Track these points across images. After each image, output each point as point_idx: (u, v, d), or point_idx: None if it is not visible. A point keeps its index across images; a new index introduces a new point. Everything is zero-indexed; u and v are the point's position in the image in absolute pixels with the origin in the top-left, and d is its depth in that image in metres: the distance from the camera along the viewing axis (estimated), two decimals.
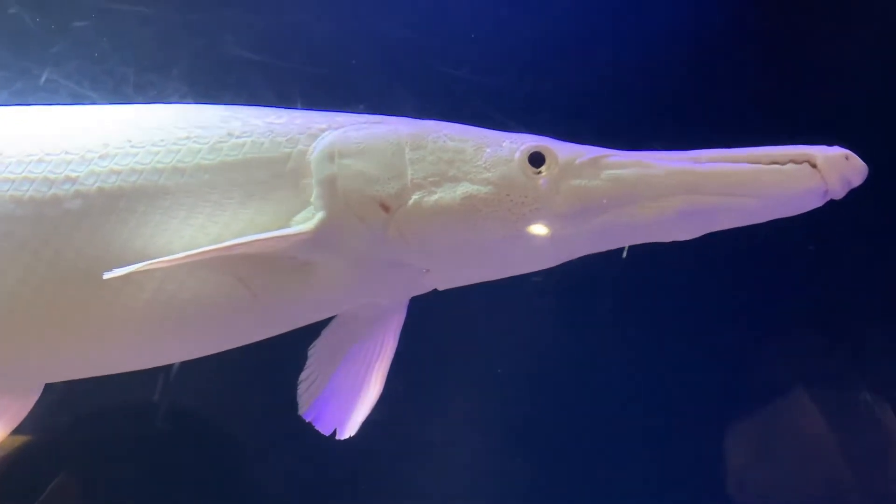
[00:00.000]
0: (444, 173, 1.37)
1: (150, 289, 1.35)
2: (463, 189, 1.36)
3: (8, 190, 1.37)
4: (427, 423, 2.17)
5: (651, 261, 1.58)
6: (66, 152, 1.39)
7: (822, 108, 2.20)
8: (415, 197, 1.36)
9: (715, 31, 2.28)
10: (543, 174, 1.37)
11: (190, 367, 1.56)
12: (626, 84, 2.24)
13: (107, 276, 1.25)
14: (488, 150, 1.40)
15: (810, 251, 2.17)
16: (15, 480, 2.01)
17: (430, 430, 2.18)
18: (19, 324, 1.37)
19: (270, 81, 2.19)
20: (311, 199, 1.37)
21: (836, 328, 2.23)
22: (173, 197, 1.37)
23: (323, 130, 1.42)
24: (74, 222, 1.35)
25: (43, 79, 2.11)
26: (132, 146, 1.40)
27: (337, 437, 1.51)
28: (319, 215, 1.36)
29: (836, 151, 1.31)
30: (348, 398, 1.52)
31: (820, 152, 1.31)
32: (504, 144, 1.41)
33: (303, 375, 1.55)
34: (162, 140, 1.40)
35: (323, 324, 1.55)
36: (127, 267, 1.25)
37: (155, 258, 1.29)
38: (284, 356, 1.59)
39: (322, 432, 1.51)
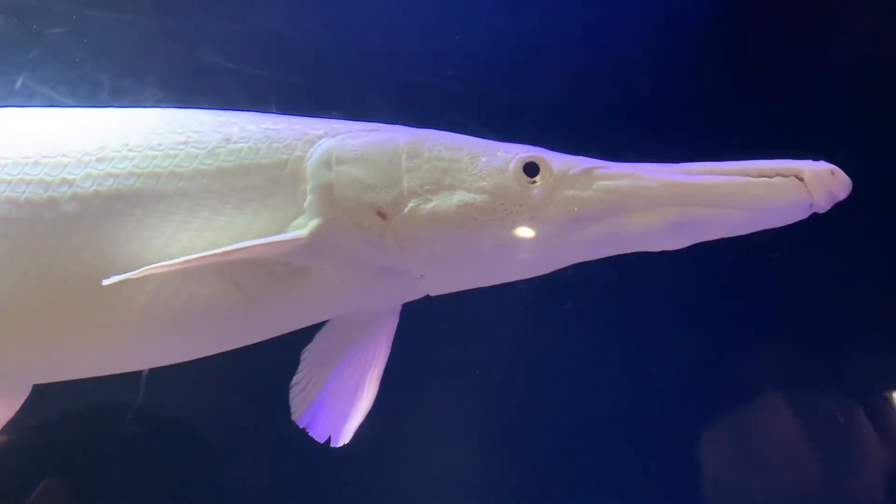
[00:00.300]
0: (439, 181, 1.38)
1: (147, 291, 1.35)
2: (458, 197, 1.37)
3: (4, 192, 1.36)
4: (417, 426, 2.17)
5: (630, 268, 1.62)
6: (63, 154, 1.39)
7: (795, 119, 2.26)
8: (411, 204, 1.37)
9: (694, 41, 2.33)
10: (538, 184, 1.39)
11: (178, 371, 1.54)
12: (603, 93, 2.27)
13: (105, 283, 1.25)
14: (483, 159, 1.41)
15: (782, 258, 2.23)
16: (2, 482, 1.98)
17: (420, 434, 2.18)
18: (16, 325, 1.37)
19: (246, 88, 2.20)
20: (308, 206, 1.38)
21: (811, 334, 2.28)
22: (170, 201, 1.37)
23: (320, 137, 1.43)
24: (71, 224, 1.35)
25: (18, 84, 2.09)
26: (129, 149, 1.40)
27: (332, 445, 1.51)
28: (316, 221, 1.36)
29: (823, 166, 1.34)
30: (342, 405, 1.52)
31: (807, 167, 1.33)
32: (499, 154, 1.42)
33: (295, 379, 1.55)
34: (160, 144, 1.40)
35: (315, 327, 1.55)
36: (124, 274, 1.25)
37: (151, 261, 1.29)
38: (275, 360, 1.59)
39: (316, 440, 1.51)
